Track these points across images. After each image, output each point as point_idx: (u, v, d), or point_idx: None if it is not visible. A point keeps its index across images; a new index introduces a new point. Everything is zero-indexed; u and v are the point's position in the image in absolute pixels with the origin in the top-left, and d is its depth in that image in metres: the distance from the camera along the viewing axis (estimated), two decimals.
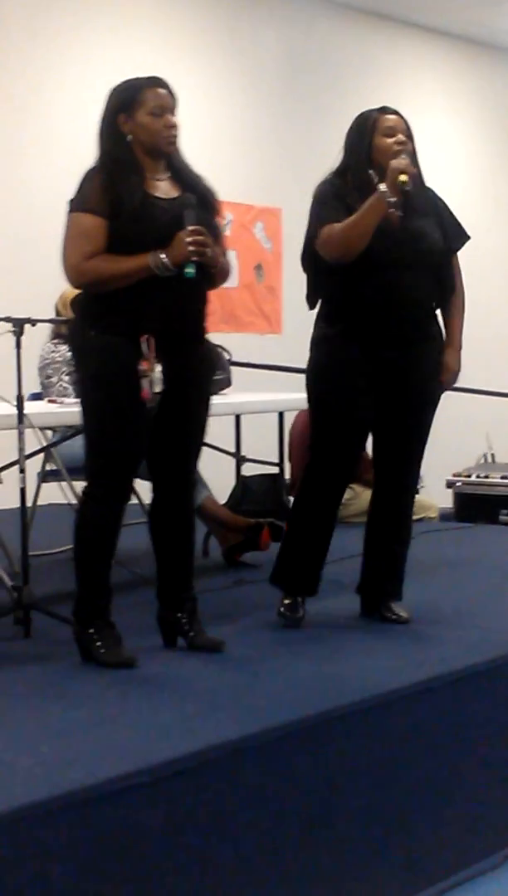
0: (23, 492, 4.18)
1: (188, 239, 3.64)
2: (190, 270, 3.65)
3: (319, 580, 4.29)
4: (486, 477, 8.01)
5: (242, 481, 6.56)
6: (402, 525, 4.38)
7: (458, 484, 8.04)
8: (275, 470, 6.91)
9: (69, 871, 2.69)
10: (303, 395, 4.31)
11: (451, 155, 10.74)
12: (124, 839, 2.80)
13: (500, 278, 11.00)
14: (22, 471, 4.17)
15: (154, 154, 3.75)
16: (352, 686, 3.58)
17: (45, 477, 5.50)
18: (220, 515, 5.47)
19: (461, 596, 4.96)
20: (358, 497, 6.11)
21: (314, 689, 3.59)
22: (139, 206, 3.68)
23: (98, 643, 3.77)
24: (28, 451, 4.29)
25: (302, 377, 4.28)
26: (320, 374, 4.19)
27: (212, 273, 3.78)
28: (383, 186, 3.98)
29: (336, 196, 4.08)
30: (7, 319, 4.15)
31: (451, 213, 4.28)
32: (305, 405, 4.36)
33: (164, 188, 3.77)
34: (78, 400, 3.85)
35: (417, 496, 6.98)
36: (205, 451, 4.07)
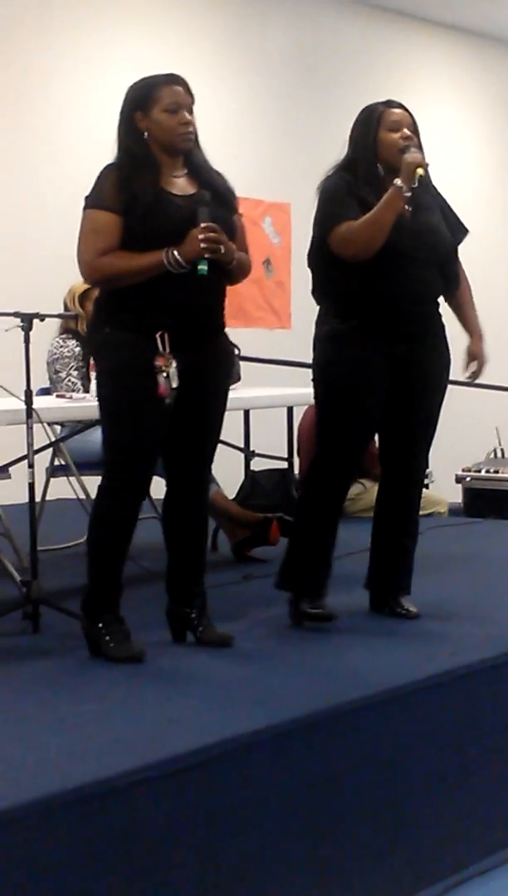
0: (31, 487, 4.18)
1: (201, 236, 3.64)
2: (202, 268, 3.64)
3: (328, 579, 4.27)
4: (496, 472, 8.00)
5: (251, 476, 6.56)
6: (410, 519, 4.37)
7: (468, 479, 8.03)
8: (284, 465, 6.90)
9: (77, 866, 2.69)
10: (312, 390, 4.30)
11: (459, 149, 10.73)
12: (132, 833, 2.80)
13: None
14: (31, 466, 4.17)
15: (170, 151, 3.76)
16: (361, 681, 3.58)
17: (53, 472, 5.50)
18: (229, 510, 5.46)
19: (470, 591, 4.95)
20: (368, 492, 6.11)
21: (323, 684, 3.59)
22: (153, 202, 3.68)
23: (107, 637, 3.78)
24: (37, 446, 4.29)
25: (311, 372, 4.27)
26: (332, 371, 4.15)
27: (229, 269, 3.78)
28: (398, 181, 3.97)
29: (348, 192, 4.07)
30: (15, 314, 4.15)
31: (450, 207, 4.28)
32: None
33: (181, 185, 3.77)
34: (95, 396, 3.85)
35: (426, 491, 7.03)
36: None
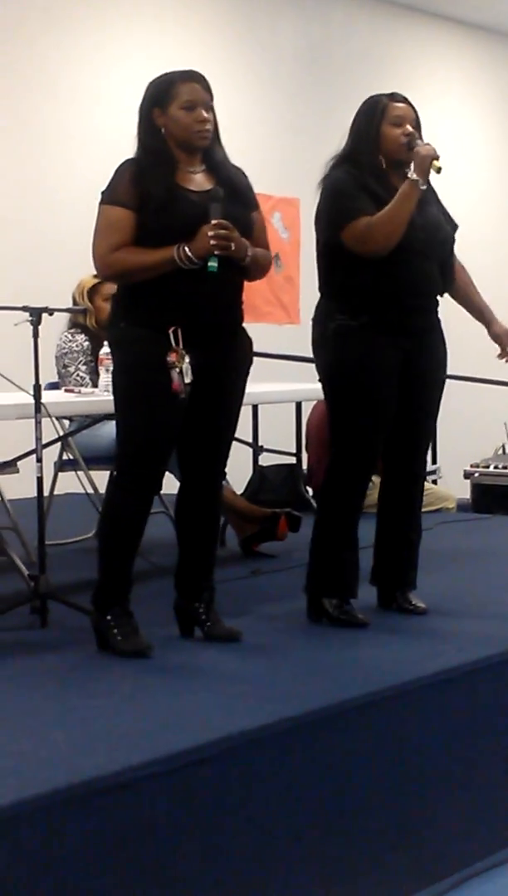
0: (40, 481, 4.18)
1: (210, 233, 3.64)
2: (213, 264, 3.64)
3: (358, 578, 4.22)
4: (504, 468, 7.99)
5: (259, 471, 6.56)
6: (414, 513, 4.36)
7: (476, 475, 8.02)
8: (292, 460, 6.91)
9: (85, 860, 2.70)
10: (320, 387, 4.29)
11: (468, 143, 10.72)
12: (140, 828, 2.80)
13: None
14: (39, 460, 4.17)
15: (187, 148, 3.76)
16: (368, 677, 3.57)
17: (61, 466, 5.50)
18: (237, 505, 5.46)
19: (478, 587, 4.95)
20: (377, 487, 6.11)
21: (330, 679, 3.59)
22: (167, 198, 3.69)
23: (115, 630, 3.78)
24: (45, 440, 4.29)
25: (317, 372, 4.24)
26: (346, 369, 4.10)
27: (244, 266, 3.78)
28: (413, 174, 3.97)
29: (358, 186, 4.05)
30: (24, 309, 4.15)
31: (440, 201, 4.27)
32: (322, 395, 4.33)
33: (198, 181, 3.77)
34: (103, 391, 3.85)
35: (434, 487, 7.04)
36: None
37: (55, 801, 2.66)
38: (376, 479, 4.36)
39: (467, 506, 7.74)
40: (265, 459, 6.89)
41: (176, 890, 2.86)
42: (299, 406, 6.83)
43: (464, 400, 8.98)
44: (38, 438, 4.18)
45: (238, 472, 5.97)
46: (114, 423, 3.94)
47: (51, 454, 5.04)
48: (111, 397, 3.90)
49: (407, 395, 4.17)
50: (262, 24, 9.20)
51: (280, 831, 3.11)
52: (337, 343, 4.11)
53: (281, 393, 6.05)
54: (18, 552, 4.74)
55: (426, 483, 6.80)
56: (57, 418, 4.87)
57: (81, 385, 5.36)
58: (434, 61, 10.52)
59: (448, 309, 4.36)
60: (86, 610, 3.91)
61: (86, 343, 5.53)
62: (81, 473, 5.32)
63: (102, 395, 4.82)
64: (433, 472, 7.58)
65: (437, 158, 3.98)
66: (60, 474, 5.49)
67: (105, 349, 4.94)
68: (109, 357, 4.63)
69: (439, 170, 3.99)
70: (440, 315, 4.27)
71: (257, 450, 6.57)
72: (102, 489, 4.11)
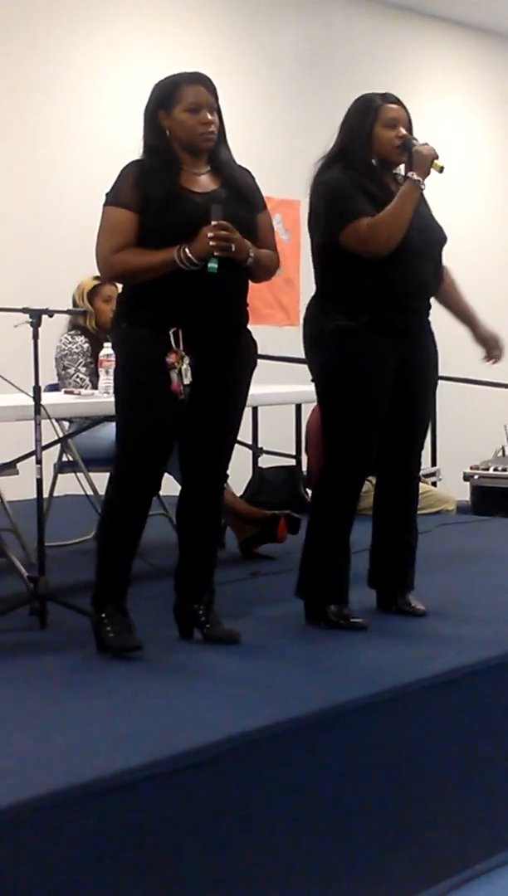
0: (39, 482, 4.18)
1: (210, 234, 3.65)
2: (212, 265, 3.65)
3: (349, 582, 4.22)
4: (504, 470, 7.99)
5: (259, 473, 6.57)
6: (410, 514, 4.34)
7: (476, 477, 8.01)
8: (292, 462, 6.92)
9: (85, 861, 2.70)
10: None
11: (468, 145, 10.73)
12: (140, 830, 2.80)
13: None
14: (38, 462, 4.17)
15: (191, 150, 3.77)
16: (367, 678, 3.57)
17: (61, 468, 5.50)
18: (236, 507, 5.46)
19: (478, 589, 4.95)
20: (372, 490, 6.10)
21: (329, 681, 3.58)
22: (169, 199, 3.70)
23: (108, 627, 3.78)
24: (45, 442, 4.29)
25: (311, 373, 4.23)
26: (344, 370, 4.08)
27: (247, 267, 3.78)
28: (415, 174, 3.97)
29: (355, 186, 4.04)
30: (24, 310, 4.15)
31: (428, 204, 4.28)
32: None
33: (203, 182, 3.79)
34: (103, 392, 3.85)
35: (434, 489, 7.03)
36: None
37: (55, 802, 2.66)
38: (371, 480, 4.35)
39: (467, 508, 7.74)
40: (265, 461, 6.89)
41: (175, 891, 2.86)
42: (298, 408, 6.83)
43: (464, 402, 9.00)
44: (38, 440, 4.18)
45: (238, 473, 5.96)
46: (113, 424, 3.95)
47: (50, 456, 5.04)
48: (111, 399, 3.90)
49: (402, 396, 4.16)
50: (263, 25, 9.20)
51: (279, 832, 3.11)
52: (335, 343, 4.09)
53: (281, 395, 6.05)
54: (18, 554, 4.74)
55: (426, 485, 6.86)
56: (56, 420, 4.88)
57: (81, 387, 5.36)
58: (435, 63, 10.53)
59: (442, 311, 4.37)
60: (85, 611, 3.91)
61: (86, 345, 5.53)
62: (80, 475, 5.32)
63: (101, 397, 4.82)
64: (433, 475, 7.58)
65: (437, 158, 3.99)
66: (60, 476, 5.49)
67: (105, 351, 4.95)
68: (109, 359, 4.65)
69: (441, 169, 4.00)
70: (438, 316, 4.27)
71: (257, 451, 6.58)
72: (102, 491, 4.11)
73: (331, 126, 4.20)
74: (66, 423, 5.35)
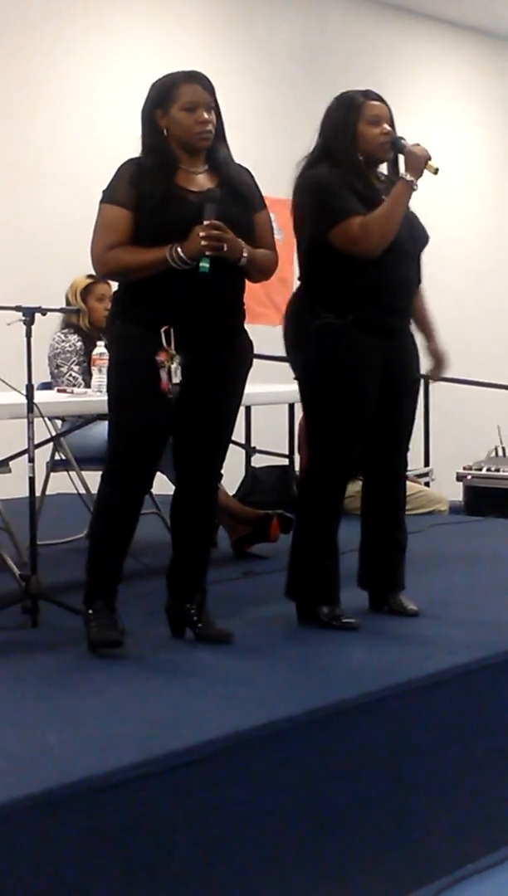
0: (31, 481, 4.18)
1: (202, 233, 3.64)
2: (204, 265, 3.64)
3: (339, 582, 4.21)
4: (497, 470, 7.99)
5: (251, 472, 6.56)
6: (399, 513, 4.33)
7: (468, 477, 8.01)
8: (285, 461, 6.91)
9: (77, 861, 2.69)
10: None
11: (464, 145, 10.73)
12: (134, 828, 2.80)
13: None
14: (31, 460, 4.17)
15: (188, 149, 3.77)
16: (360, 678, 3.58)
17: (53, 466, 5.50)
18: (229, 506, 5.46)
19: (470, 589, 4.95)
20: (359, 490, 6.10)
21: (322, 681, 3.58)
22: (164, 198, 3.71)
23: (93, 623, 3.79)
24: (37, 440, 4.29)
25: (294, 371, 4.22)
26: (331, 369, 4.06)
27: (242, 267, 3.77)
28: (408, 174, 3.96)
29: (344, 184, 4.02)
30: (17, 308, 4.15)
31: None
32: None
33: (200, 181, 3.78)
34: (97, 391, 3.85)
35: (427, 489, 7.03)
36: None
37: (47, 800, 2.66)
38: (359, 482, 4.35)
39: (459, 508, 7.74)
40: (258, 461, 6.89)
41: (171, 890, 2.86)
42: (291, 407, 6.83)
43: (457, 402, 9.00)
44: (31, 438, 4.17)
45: (231, 472, 5.94)
46: (106, 423, 3.95)
47: (43, 454, 5.03)
48: (104, 398, 3.90)
49: (388, 397, 4.14)
50: (259, 23, 9.20)
51: (272, 832, 3.11)
52: (321, 342, 4.07)
53: (274, 394, 6.05)
54: (10, 552, 4.74)
55: (418, 485, 6.86)
56: (49, 418, 4.87)
57: (74, 385, 5.36)
58: (430, 63, 10.53)
59: (439, 312, 4.37)
60: (77, 610, 3.90)
61: (79, 343, 5.52)
62: (72, 474, 5.32)
63: (94, 396, 4.82)
64: (426, 475, 7.58)
65: (430, 159, 3.98)
66: (52, 474, 5.49)
67: (98, 349, 4.95)
68: (102, 357, 4.64)
69: (436, 171, 3.98)
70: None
71: (250, 451, 6.57)
72: (94, 489, 4.11)
73: None
74: (58, 422, 5.34)
